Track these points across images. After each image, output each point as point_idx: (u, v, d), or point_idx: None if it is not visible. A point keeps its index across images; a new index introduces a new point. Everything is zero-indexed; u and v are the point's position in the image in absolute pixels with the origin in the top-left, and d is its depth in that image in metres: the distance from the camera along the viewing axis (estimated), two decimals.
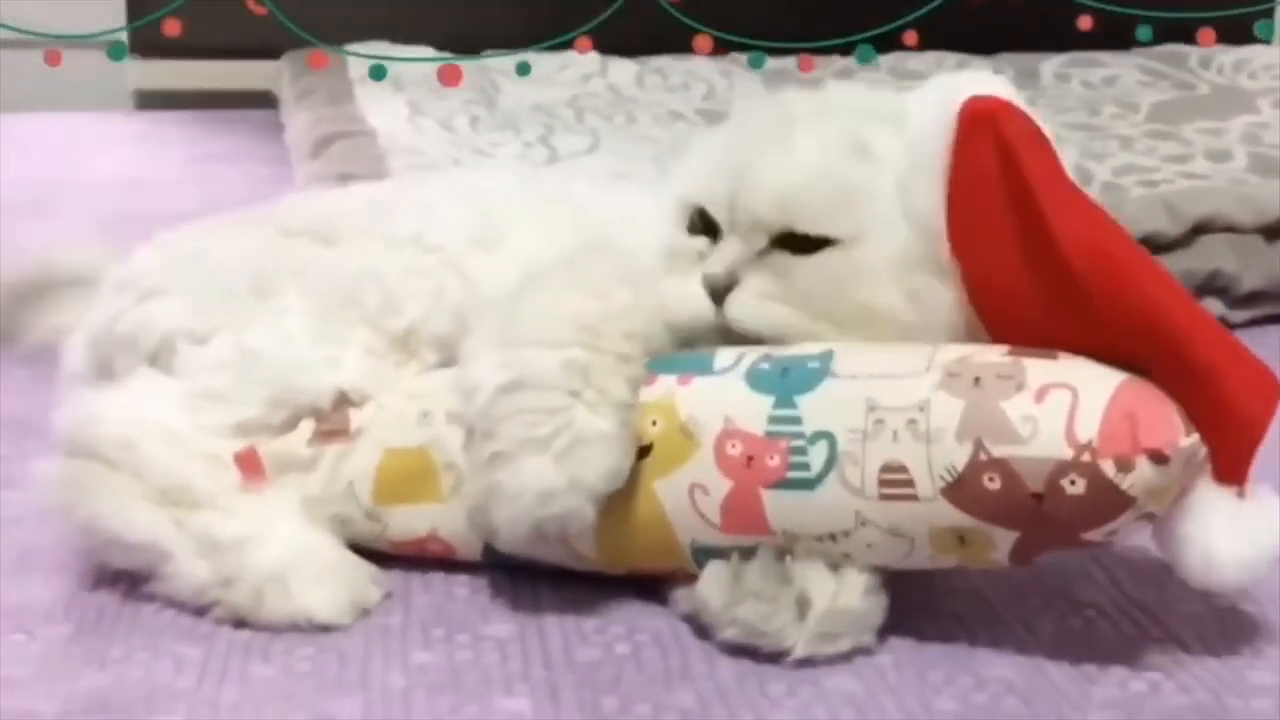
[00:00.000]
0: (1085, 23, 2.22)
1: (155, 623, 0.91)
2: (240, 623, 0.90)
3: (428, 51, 2.18)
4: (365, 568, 0.93)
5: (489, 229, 1.06)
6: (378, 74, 1.98)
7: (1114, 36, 2.32)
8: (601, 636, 0.90)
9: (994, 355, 0.86)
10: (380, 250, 1.02)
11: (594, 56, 2.20)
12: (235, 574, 0.90)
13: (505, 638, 0.90)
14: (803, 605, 0.86)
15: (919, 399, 0.84)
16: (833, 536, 0.86)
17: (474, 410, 0.90)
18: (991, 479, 0.82)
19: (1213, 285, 1.47)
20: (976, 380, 0.84)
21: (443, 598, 0.94)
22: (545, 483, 0.87)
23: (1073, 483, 0.81)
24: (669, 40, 2.24)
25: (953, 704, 0.83)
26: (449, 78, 1.99)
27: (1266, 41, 2.42)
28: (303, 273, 1.00)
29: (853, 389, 0.87)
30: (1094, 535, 0.83)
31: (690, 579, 0.91)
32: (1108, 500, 0.81)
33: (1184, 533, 0.84)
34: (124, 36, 2.05)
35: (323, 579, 0.90)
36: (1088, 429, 0.81)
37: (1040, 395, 0.83)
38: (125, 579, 0.94)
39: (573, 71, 2.18)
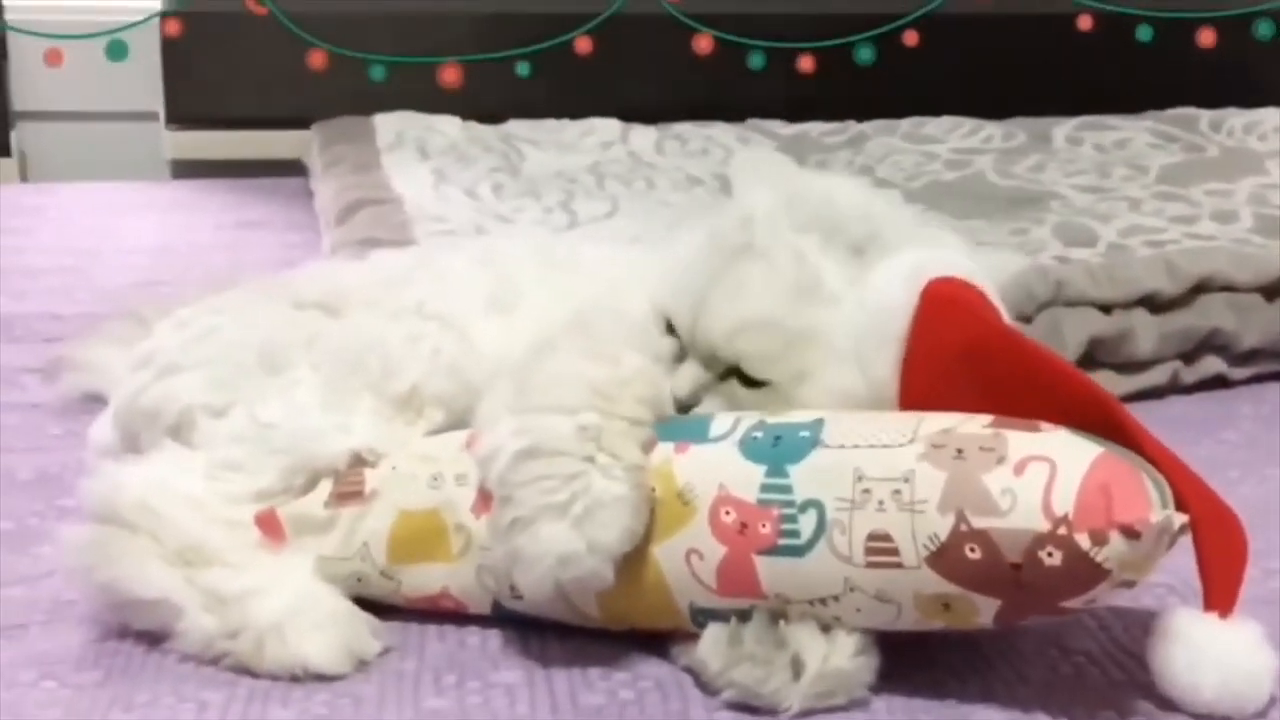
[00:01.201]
0: (1085, 22, 2.26)
1: (180, 670, 0.95)
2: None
3: (454, 122, 2.24)
4: (365, 619, 0.97)
5: (503, 293, 1.11)
6: (378, 74, 2.04)
7: (1114, 35, 2.34)
8: (606, 683, 0.94)
9: (977, 427, 0.89)
10: (383, 319, 1.07)
11: (614, 124, 2.26)
12: (239, 625, 0.94)
13: (514, 683, 0.93)
14: (797, 666, 0.90)
15: (904, 470, 0.88)
16: (823, 601, 0.90)
17: (492, 476, 0.94)
18: (973, 549, 0.85)
19: (1212, 343, 1.50)
20: (959, 452, 0.87)
21: (455, 646, 0.98)
22: (565, 547, 0.90)
23: (1050, 554, 0.84)
24: (669, 40, 2.30)
25: None
26: (449, 78, 2.05)
27: (1266, 41, 2.44)
28: (311, 344, 1.06)
29: (841, 458, 0.90)
30: (1073, 604, 0.86)
31: (691, 636, 0.94)
32: (1083, 571, 0.84)
33: (1167, 653, 0.89)
34: (125, 36, 2.12)
35: (321, 629, 0.94)
36: (1064, 502, 0.84)
37: (1020, 468, 0.86)
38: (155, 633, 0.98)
39: (594, 139, 2.23)
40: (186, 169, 2.37)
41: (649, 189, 2.01)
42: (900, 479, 0.87)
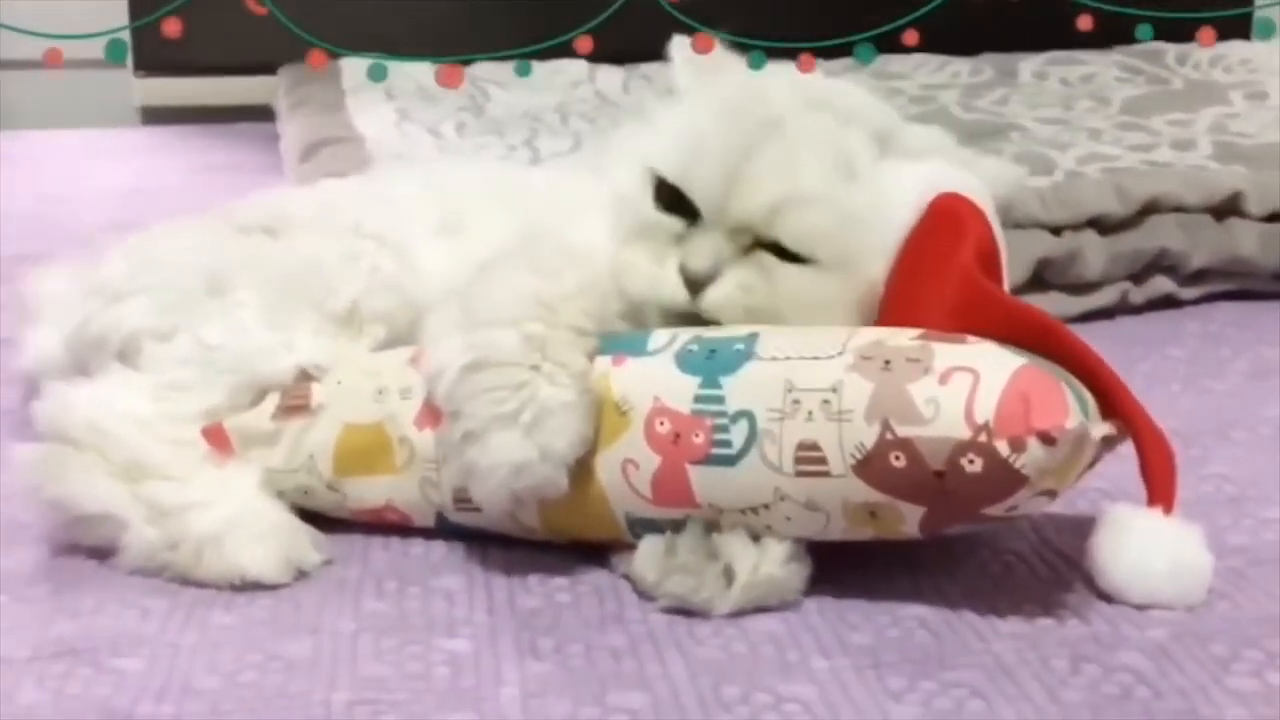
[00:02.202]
0: (1085, 22, 2.26)
1: (128, 581, 0.96)
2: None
3: (423, 66, 2.24)
4: (306, 531, 0.98)
5: (449, 217, 1.13)
6: (378, 74, 2.04)
7: (1114, 35, 2.35)
8: (544, 587, 0.95)
9: (905, 339, 0.91)
10: (321, 239, 1.09)
11: (583, 64, 2.26)
12: (180, 536, 0.95)
13: (453, 589, 0.95)
14: (729, 575, 0.91)
15: (833, 380, 0.89)
16: (754, 510, 0.91)
17: (440, 392, 0.95)
18: (897, 457, 0.87)
19: (1161, 263, 1.52)
20: (886, 363, 0.89)
21: (399, 556, 1.00)
22: (518, 455, 0.92)
23: (971, 461, 0.85)
24: (669, 40, 2.29)
25: (867, 639, 0.88)
26: (449, 78, 2.05)
27: (1266, 41, 2.45)
28: (252, 266, 1.07)
29: (773, 370, 0.92)
30: (995, 511, 0.87)
31: (629, 547, 0.96)
32: (1004, 478, 0.85)
33: (1115, 543, 0.91)
34: (126, 35, 2.12)
35: (260, 540, 0.95)
36: (985, 410, 0.86)
37: (944, 378, 0.87)
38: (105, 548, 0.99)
39: (562, 78, 2.24)
40: (157, 116, 2.38)
41: (613, 126, 2.02)
42: (829, 389, 0.89)
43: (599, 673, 0.85)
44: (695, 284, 0.97)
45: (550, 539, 0.99)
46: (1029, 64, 2.33)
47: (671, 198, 1.00)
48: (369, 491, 1.01)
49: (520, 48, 2.20)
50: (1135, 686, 0.82)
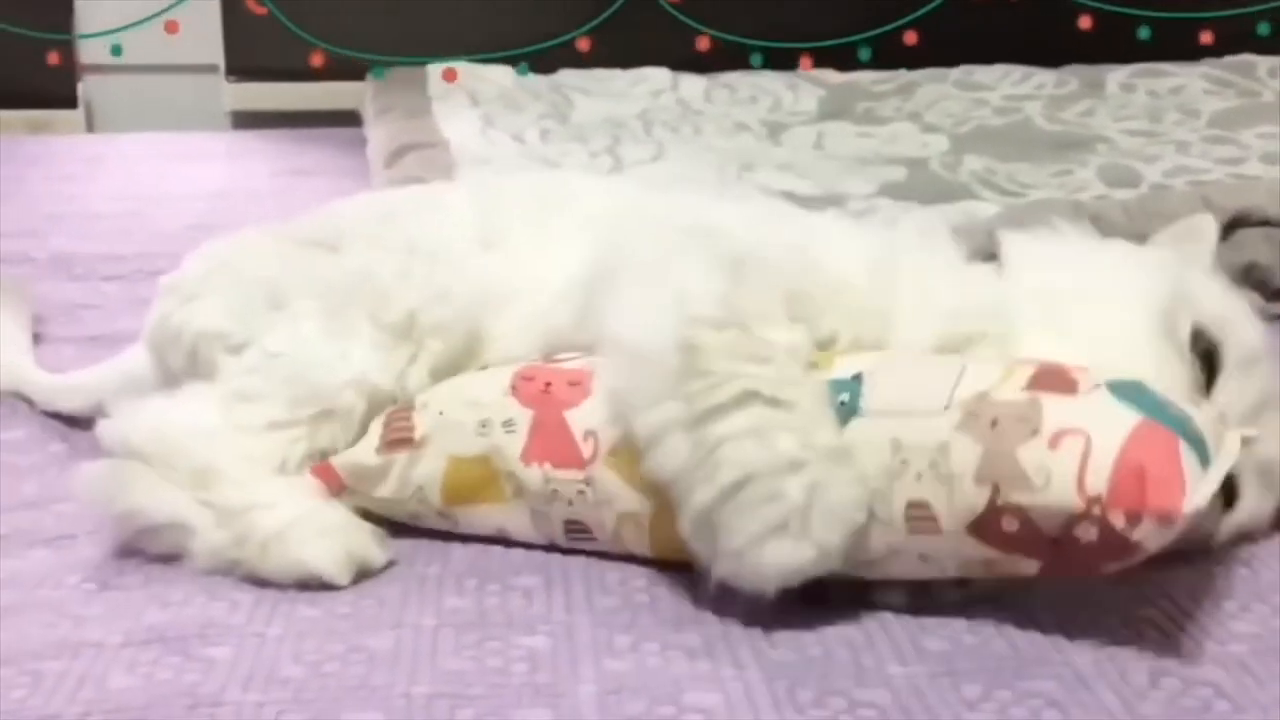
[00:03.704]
0: (1085, 23, 2.25)
1: (213, 578, 0.98)
2: None
3: (507, 71, 2.27)
4: (371, 530, 0.99)
5: (490, 229, 1.14)
6: (378, 74, 2.08)
7: (1115, 36, 2.34)
8: (623, 587, 0.96)
9: (1013, 391, 0.88)
10: (376, 252, 1.11)
11: (666, 72, 2.28)
12: (245, 534, 0.97)
13: (532, 587, 0.96)
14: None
15: (940, 441, 0.88)
16: (870, 563, 0.91)
17: (697, 507, 0.90)
18: (1010, 522, 0.86)
19: (1250, 278, 1.50)
20: (994, 422, 0.87)
21: (478, 554, 1.01)
22: (796, 561, 0.88)
23: (1086, 531, 0.84)
24: (669, 40, 2.31)
25: (944, 645, 0.88)
26: (449, 78, 2.09)
27: (1265, 39, 2.43)
28: (311, 280, 1.09)
29: (879, 429, 0.90)
30: (1113, 567, 0.86)
31: None
32: (1119, 545, 0.84)
33: None
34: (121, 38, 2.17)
35: (324, 535, 0.97)
36: (1098, 482, 0.83)
37: (1054, 441, 0.85)
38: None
39: (644, 86, 2.25)
40: (246, 120, 2.42)
41: (696, 134, 2.04)
42: (936, 450, 0.88)
43: (673, 672, 0.86)
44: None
45: (661, 558, 0.98)
46: (1116, 75, 2.32)
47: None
48: (480, 519, 1.02)
49: (520, 48, 2.22)
50: (1215, 700, 0.82)
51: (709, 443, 0.89)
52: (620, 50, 2.32)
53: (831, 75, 2.34)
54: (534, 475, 0.99)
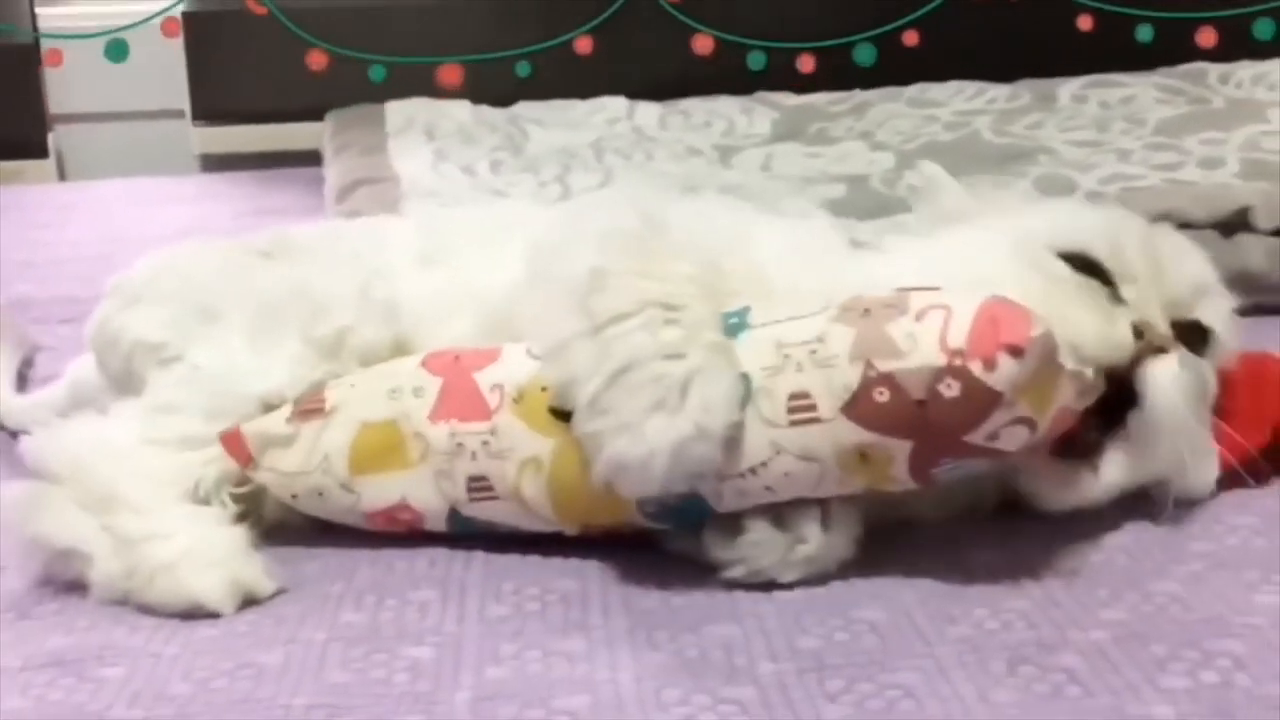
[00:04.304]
0: (1085, 23, 2.27)
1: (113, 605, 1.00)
2: None
3: (465, 106, 2.30)
4: (260, 561, 1.01)
5: (434, 251, 1.17)
6: (378, 75, 2.11)
7: (1115, 35, 2.36)
8: (516, 596, 0.99)
9: (884, 292, 0.96)
10: (315, 267, 1.13)
11: (622, 101, 2.31)
12: (137, 565, 0.99)
13: (428, 600, 0.99)
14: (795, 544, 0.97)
15: (818, 331, 0.95)
16: (753, 470, 0.95)
17: (586, 397, 0.95)
18: (881, 392, 0.92)
19: (1243, 283, 1.50)
20: (866, 311, 0.94)
21: (383, 571, 1.04)
22: (673, 435, 0.92)
23: (949, 386, 0.90)
24: (669, 40, 2.35)
25: (814, 643, 0.91)
26: (449, 78, 2.12)
27: (1266, 42, 2.45)
28: (247, 290, 1.12)
29: (765, 334, 0.97)
30: (975, 438, 0.91)
31: (639, 533, 1.00)
32: (980, 398, 0.90)
33: None
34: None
35: (210, 567, 0.98)
36: (958, 337, 0.91)
37: (920, 315, 0.93)
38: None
39: (602, 115, 2.28)
40: (215, 163, 2.46)
41: (647, 160, 2.06)
42: (815, 340, 0.95)
43: (551, 677, 0.88)
44: (1152, 347, 1.00)
45: (563, 528, 1.02)
46: (1068, 88, 2.33)
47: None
48: (384, 489, 1.05)
49: (521, 48, 2.25)
50: (1066, 685, 0.84)
51: (605, 342, 0.95)
52: (620, 50, 2.36)
53: (788, 98, 2.37)
54: (440, 432, 1.03)
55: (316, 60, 2.07)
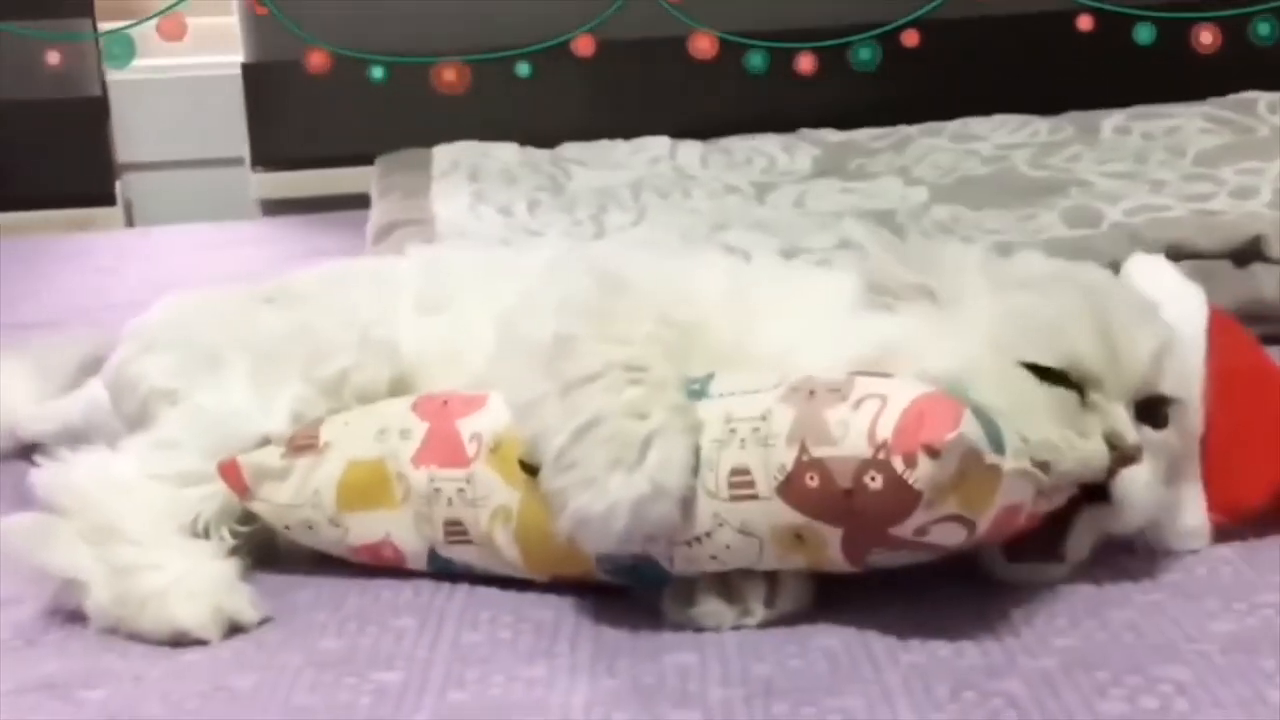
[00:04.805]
0: (1085, 23, 2.27)
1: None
2: None
3: (511, 148, 2.35)
4: (246, 591, 1.05)
5: (433, 294, 1.21)
6: (378, 74, 2.16)
7: (1114, 35, 2.35)
8: (491, 625, 1.02)
9: (834, 375, 0.96)
10: (316, 310, 1.18)
11: (665, 140, 2.34)
12: (127, 594, 1.03)
13: (406, 627, 1.02)
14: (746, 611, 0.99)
15: (764, 409, 0.96)
16: (698, 539, 0.97)
17: (553, 451, 0.98)
18: (812, 477, 0.92)
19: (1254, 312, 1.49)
20: (811, 393, 0.95)
21: (370, 600, 1.07)
22: (632, 493, 0.94)
23: (873, 479, 0.90)
24: (668, 40, 2.37)
25: (769, 669, 0.93)
26: (449, 78, 2.16)
27: (1266, 41, 2.42)
28: (252, 333, 1.16)
29: (718, 406, 0.98)
30: (902, 532, 0.91)
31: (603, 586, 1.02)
32: (900, 495, 0.90)
33: None
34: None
35: (195, 596, 1.02)
36: (885, 429, 0.91)
37: (858, 404, 0.93)
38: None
39: (643, 156, 2.32)
40: (273, 207, 2.54)
41: (684, 198, 2.09)
42: (759, 417, 0.96)
43: (508, 701, 0.91)
44: (1124, 459, 0.97)
45: (532, 576, 1.05)
46: (1112, 120, 2.33)
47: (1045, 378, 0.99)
48: (369, 526, 1.09)
49: (521, 47, 2.29)
50: (1004, 710, 0.85)
51: (572, 400, 0.98)
52: (620, 50, 2.39)
53: (831, 134, 2.39)
54: (421, 477, 1.06)
55: (317, 61, 2.12)
